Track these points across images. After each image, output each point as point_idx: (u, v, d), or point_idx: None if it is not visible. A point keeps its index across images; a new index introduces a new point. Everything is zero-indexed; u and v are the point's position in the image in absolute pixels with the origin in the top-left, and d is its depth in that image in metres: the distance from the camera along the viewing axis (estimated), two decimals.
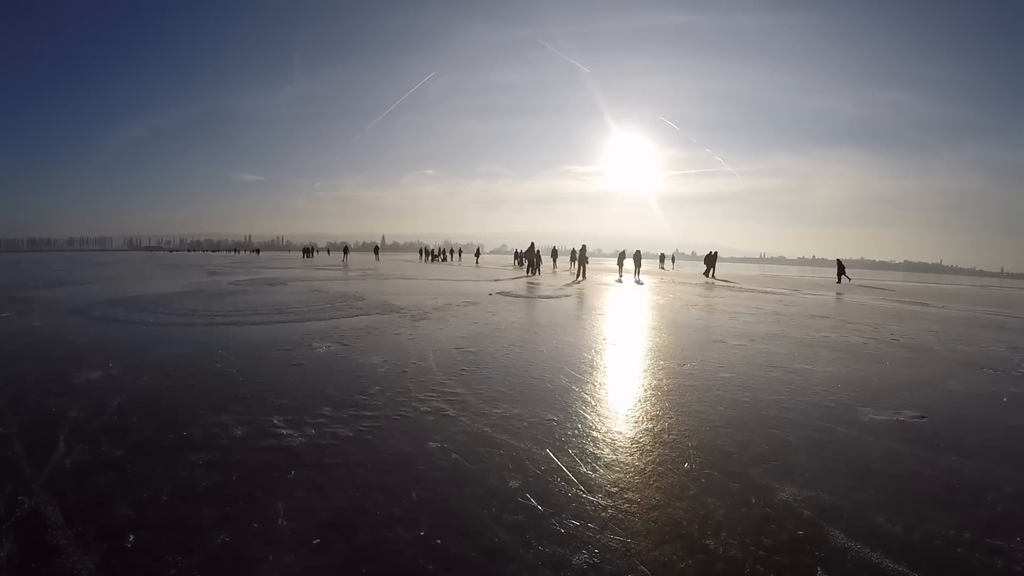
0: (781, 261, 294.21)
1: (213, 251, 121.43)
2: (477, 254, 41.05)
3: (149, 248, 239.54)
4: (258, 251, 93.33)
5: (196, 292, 11.20)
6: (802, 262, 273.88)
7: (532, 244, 23.08)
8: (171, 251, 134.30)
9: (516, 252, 34.78)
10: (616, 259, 25.10)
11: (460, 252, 42.81)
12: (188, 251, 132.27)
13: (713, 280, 21.57)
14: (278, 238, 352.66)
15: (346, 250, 39.94)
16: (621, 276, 21.88)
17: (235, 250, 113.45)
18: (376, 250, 46.95)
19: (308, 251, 48.95)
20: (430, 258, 40.40)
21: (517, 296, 11.77)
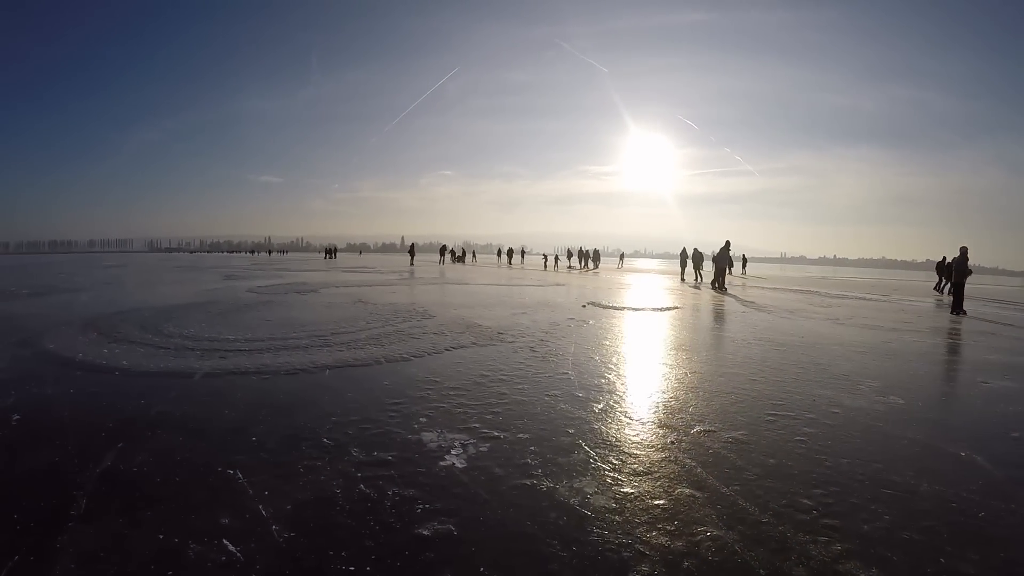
0: (802, 261, 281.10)
1: (231, 252, 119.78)
2: (510, 255, 37.12)
3: (168, 250, 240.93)
4: (279, 252, 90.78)
5: (206, 304, 8.53)
6: (823, 261, 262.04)
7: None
8: (190, 252, 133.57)
9: (573, 250, 33.98)
10: (679, 259, 21.80)
11: (524, 253, 38.99)
12: (207, 252, 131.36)
13: (948, 298, 15.45)
14: (298, 239, 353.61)
15: (412, 251, 32.82)
16: (697, 279, 18.78)
17: (253, 251, 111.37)
18: (442, 251, 37.02)
19: (330, 252, 46.57)
20: (453, 259, 37.11)
21: (619, 308, 8.97)
